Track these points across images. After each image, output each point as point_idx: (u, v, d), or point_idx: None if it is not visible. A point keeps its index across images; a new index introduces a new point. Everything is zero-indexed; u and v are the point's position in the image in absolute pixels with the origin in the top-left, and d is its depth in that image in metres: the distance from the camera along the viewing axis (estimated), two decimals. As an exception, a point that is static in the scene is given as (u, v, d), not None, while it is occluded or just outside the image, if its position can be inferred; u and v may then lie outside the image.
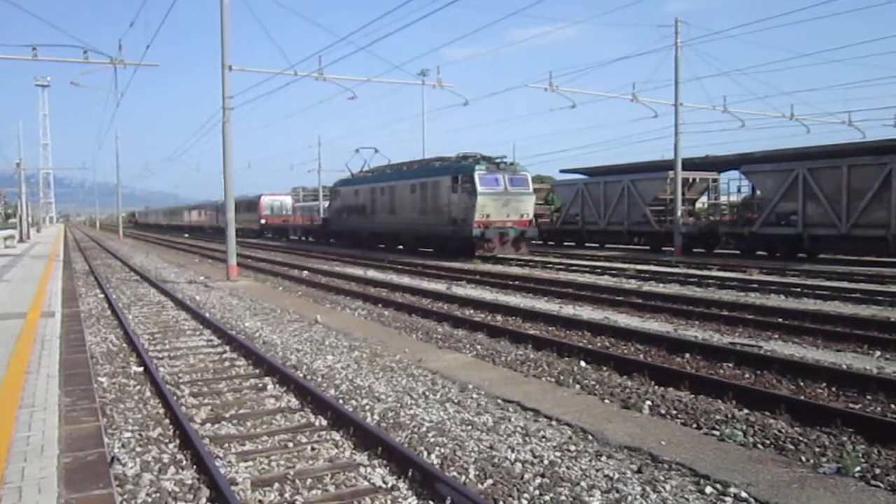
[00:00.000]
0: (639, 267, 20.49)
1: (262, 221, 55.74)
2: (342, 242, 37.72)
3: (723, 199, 30.77)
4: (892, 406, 6.73)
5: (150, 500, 4.57)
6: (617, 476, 4.85)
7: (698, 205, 30.67)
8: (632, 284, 16.95)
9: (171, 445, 5.64)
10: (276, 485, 4.81)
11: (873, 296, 13.66)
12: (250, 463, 5.26)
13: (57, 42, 38.09)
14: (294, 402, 6.90)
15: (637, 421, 6.15)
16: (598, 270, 20.50)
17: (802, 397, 6.95)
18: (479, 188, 24.93)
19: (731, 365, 8.32)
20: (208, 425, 6.19)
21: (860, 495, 4.48)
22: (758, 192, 25.50)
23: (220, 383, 7.79)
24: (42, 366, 7.25)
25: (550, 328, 11.16)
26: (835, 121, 31.05)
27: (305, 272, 22.03)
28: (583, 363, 8.56)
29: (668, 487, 4.65)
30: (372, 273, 21.59)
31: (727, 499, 4.47)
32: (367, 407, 6.64)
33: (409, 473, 4.85)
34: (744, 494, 4.49)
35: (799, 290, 14.90)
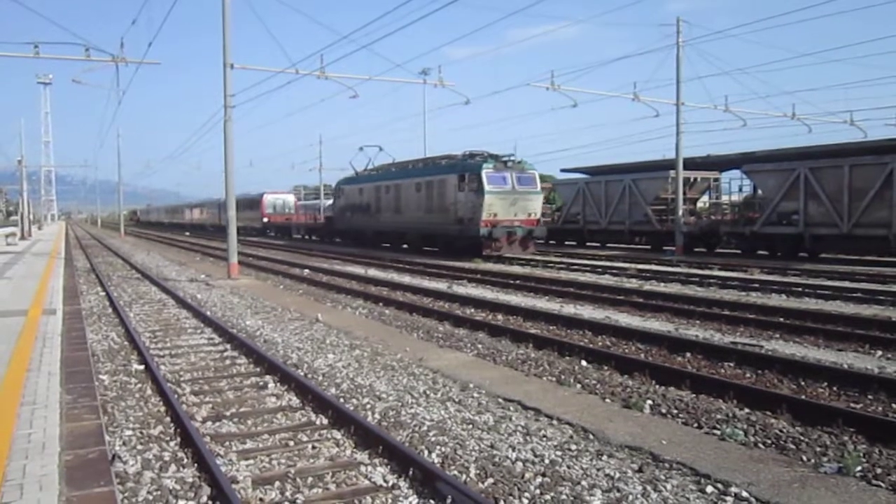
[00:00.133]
0: (640, 266, 20.48)
1: (265, 220, 55.55)
2: (346, 241, 37.51)
3: (724, 198, 30.77)
4: (894, 406, 6.72)
5: (151, 497, 4.57)
6: (618, 475, 4.85)
7: (700, 204, 30.61)
8: (633, 284, 16.93)
9: (172, 443, 5.65)
10: (277, 483, 4.81)
11: (875, 295, 13.65)
12: (251, 461, 5.26)
13: (59, 40, 38.13)
14: (295, 401, 6.90)
15: (638, 420, 6.15)
16: (600, 270, 20.49)
17: (804, 397, 6.94)
18: (487, 187, 24.65)
19: (732, 364, 8.32)
20: (209, 423, 6.20)
21: (861, 495, 4.48)
22: (759, 192, 25.49)
23: (221, 381, 7.79)
24: (43, 363, 7.26)
25: (551, 327, 11.16)
26: (836, 120, 31.02)
27: (306, 271, 22.02)
28: (584, 362, 8.56)
29: (668, 487, 4.65)
30: (373, 272, 21.59)
31: (728, 498, 4.47)
32: (368, 406, 6.64)
33: (410, 472, 4.85)
34: (745, 494, 4.49)
35: (800, 289, 14.89)
